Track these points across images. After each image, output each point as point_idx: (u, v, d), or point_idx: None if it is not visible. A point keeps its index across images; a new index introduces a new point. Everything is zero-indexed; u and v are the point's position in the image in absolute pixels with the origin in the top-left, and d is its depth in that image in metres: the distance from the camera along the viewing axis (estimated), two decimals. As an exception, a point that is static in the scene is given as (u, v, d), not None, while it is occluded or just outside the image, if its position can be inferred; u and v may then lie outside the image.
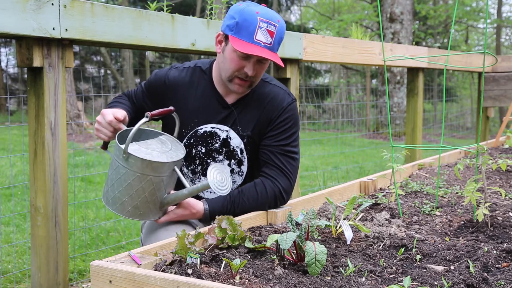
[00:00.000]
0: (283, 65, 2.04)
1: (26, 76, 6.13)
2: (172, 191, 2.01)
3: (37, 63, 2.21)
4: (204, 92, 2.18)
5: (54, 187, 2.30)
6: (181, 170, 2.05)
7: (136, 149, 1.88)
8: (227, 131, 2.17)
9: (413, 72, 5.00)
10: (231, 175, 2.21)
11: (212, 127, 2.17)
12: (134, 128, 1.85)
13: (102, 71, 17.92)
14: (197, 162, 2.21)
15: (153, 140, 2.01)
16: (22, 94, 11.04)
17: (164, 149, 1.95)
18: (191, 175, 2.23)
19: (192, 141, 2.19)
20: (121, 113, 2.01)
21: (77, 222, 4.47)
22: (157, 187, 1.88)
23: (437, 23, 18.29)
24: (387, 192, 2.58)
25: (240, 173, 2.22)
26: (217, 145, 2.18)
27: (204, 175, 2.21)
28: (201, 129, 2.18)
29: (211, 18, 3.09)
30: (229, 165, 2.20)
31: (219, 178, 1.82)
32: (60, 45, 2.29)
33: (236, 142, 2.18)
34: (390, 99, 12.81)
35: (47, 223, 2.29)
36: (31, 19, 2.13)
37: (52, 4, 2.19)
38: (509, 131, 3.98)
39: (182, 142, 2.20)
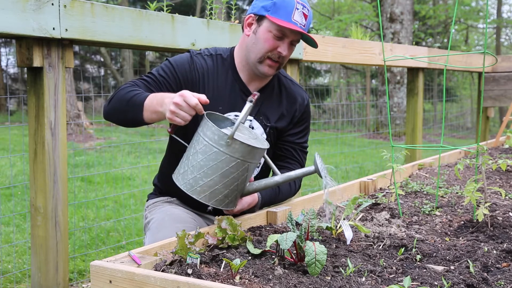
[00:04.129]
0: (316, 46, 2.11)
1: (26, 76, 6.13)
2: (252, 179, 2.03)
3: (37, 63, 2.22)
4: (227, 79, 2.17)
5: (54, 187, 2.30)
6: None
7: (236, 134, 1.82)
8: (250, 120, 2.18)
9: (413, 72, 5.00)
10: None
11: (236, 115, 2.15)
12: (243, 114, 1.81)
13: (102, 71, 17.92)
14: None
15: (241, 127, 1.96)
16: (22, 94, 11.04)
17: (252, 136, 1.93)
18: None
19: None
20: (205, 97, 1.85)
21: (77, 222, 4.47)
22: (249, 174, 1.87)
23: (437, 23, 18.30)
24: (387, 192, 2.58)
25: (257, 165, 2.20)
26: None
27: None
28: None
29: (211, 18, 3.09)
30: None
31: (323, 167, 1.83)
32: (60, 45, 2.30)
33: (259, 132, 2.18)
34: (390, 99, 12.81)
35: (47, 223, 2.29)
36: (31, 19, 2.13)
37: (52, 4, 2.19)
38: (509, 131, 3.98)
39: None
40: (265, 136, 2.19)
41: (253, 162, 1.86)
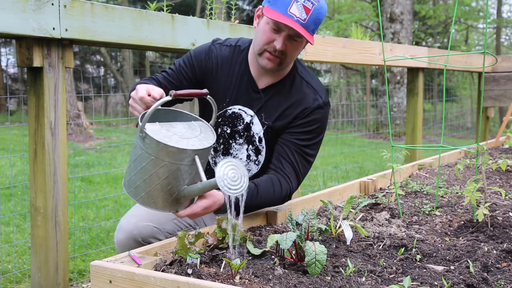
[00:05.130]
0: (313, 43, 2.00)
1: (26, 76, 6.13)
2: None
3: (37, 63, 2.21)
4: (238, 72, 2.14)
5: (54, 187, 2.30)
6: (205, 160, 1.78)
7: (155, 129, 1.70)
8: (251, 116, 2.14)
9: (413, 72, 5.00)
10: (247, 161, 2.17)
11: (240, 109, 2.14)
12: (153, 106, 1.67)
13: (102, 71, 17.92)
14: (221, 141, 2.18)
15: (181, 124, 1.82)
16: (22, 94, 11.04)
17: (189, 135, 1.76)
18: (212, 153, 2.20)
19: (219, 120, 2.17)
20: (157, 91, 1.83)
21: (77, 222, 4.47)
22: (173, 175, 1.68)
23: (437, 23, 18.29)
24: (387, 192, 2.58)
25: (256, 162, 2.17)
26: (240, 127, 2.15)
27: (225, 154, 2.17)
28: (230, 109, 2.15)
29: (211, 18, 3.09)
30: (246, 150, 2.17)
31: (231, 175, 1.57)
32: (60, 45, 2.30)
33: (257, 129, 2.14)
34: (390, 99, 12.81)
35: (47, 223, 2.29)
36: (31, 19, 2.13)
37: (52, 4, 2.19)
38: (509, 131, 3.98)
39: None
40: (262, 134, 2.14)
41: (174, 163, 1.66)
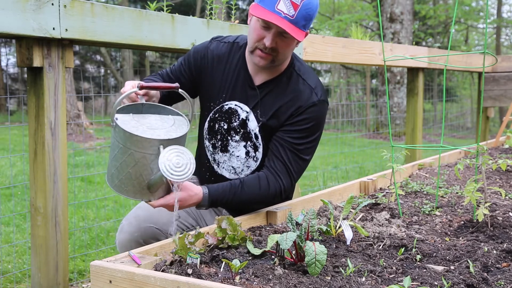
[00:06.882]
0: (301, 39, 1.97)
1: (26, 76, 6.13)
2: None
3: (37, 63, 2.22)
4: (235, 68, 2.16)
5: (54, 187, 2.30)
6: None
7: (126, 120, 1.77)
8: (247, 112, 2.14)
9: (413, 72, 5.00)
10: (246, 158, 2.17)
11: (236, 104, 2.15)
12: (120, 97, 1.77)
13: (102, 71, 17.92)
14: (219, 137, 2.19)
15: (154, 116, 1.86)
16: (22, 94, 11.03)
17: (157, 126, 1.80)
18: (211, 149, 2.22)
19: (217, 115, 2.18)
20: (139, 84, 1.86)
21: (77, 222, 4.47)
22: (140, 164, 1.73)
23: (437, 23, 18.29)
24: (387, 192, 2.57)
25: (255, 159, 2.17)
26: (235, 123, 2.15)
27: (223, 151, 2.18)
28: (227, 105, 2.16)
29: (211, 18, 3.09)
30: (245, 146, 2.17)
31: (175, 161, 1.62)
32: (60, 45, 2.30)
33: (253, 125, 2.14)
34: (390, 99, 12.80)
35: (47, 223, 2.29)
36: (31, 19, 2.13)
37: (52, 4, 2.19)
38: (509, 131, 3.98)
39: (208, 116, 2.20)
40: (258, 131, 2.14)
41: (140, 151, 1.71)
